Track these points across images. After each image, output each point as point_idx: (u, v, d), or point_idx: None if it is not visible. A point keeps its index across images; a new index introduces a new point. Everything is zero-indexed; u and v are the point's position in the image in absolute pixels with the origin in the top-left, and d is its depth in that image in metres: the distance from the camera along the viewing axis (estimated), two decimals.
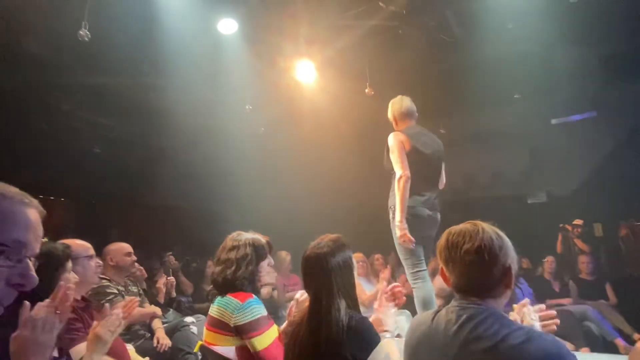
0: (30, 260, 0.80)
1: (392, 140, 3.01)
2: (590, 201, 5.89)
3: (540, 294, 4.68)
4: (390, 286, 1.85)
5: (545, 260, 5.08)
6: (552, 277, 4.98)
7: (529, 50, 4.98)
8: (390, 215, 2.97)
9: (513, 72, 5.23)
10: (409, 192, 2.87)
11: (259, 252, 1.99)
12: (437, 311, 1.32)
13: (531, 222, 6.02)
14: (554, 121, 6.65)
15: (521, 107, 6.29)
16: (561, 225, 5.54)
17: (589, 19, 4.43)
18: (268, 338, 1.77)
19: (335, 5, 4.62)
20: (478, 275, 1.24)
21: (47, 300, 1.31)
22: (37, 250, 0.82)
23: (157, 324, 3.21)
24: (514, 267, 1.27)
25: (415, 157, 2.95)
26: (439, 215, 3.07)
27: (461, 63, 5.37)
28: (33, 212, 0.82)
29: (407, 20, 4.70)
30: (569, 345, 3.73)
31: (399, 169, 2.89)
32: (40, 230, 0.84)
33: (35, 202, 0.85)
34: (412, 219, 2.88)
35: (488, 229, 1.27)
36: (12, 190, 0.82)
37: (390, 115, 3.30)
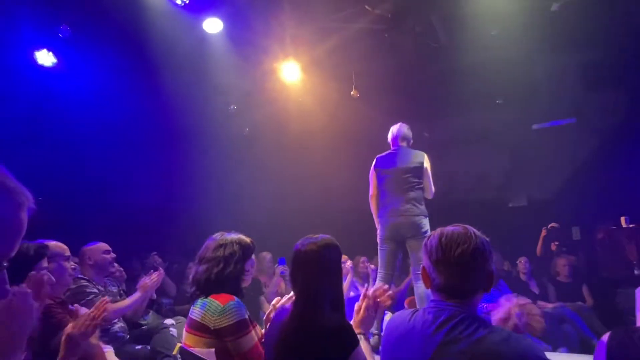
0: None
1: None
2: (569, 205, 6.01)
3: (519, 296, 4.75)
4: (375, 288, 1.83)
5: (519, 261, 5.16)
6: (528, 278, 5.06)
7: (512, 56, 5.07)
8: None
9: (496, 78, 5.31)
10: (379, 206, 3.68)
11: (245, 251, 1.98)
12: (415, 312, 1.34)
13: (512, 225, 6.12)
14: (535, 126, 6.77)
15: (503, 112, 6.39)
16: (542, 228, 5.64)
17: (570, 27, 4.54)
18: (248, 342, 1.75)
19: (321, 8, 4.62)
20: (468, 278, 1.27)
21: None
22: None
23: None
24: (494, 271, 1.31)
25: (379, 176, 3.69)
26: (413, 219, 3.51)
27: (446, 68, 5.43)
28: (24, 214, 0.70)
29: (393, 24, 4.74)
30: (546, 346, 3.81)
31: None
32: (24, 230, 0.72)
33: (30, 199, 0.72)
34: (382, 227, 3.63)
35: (478, 233, 1.31)
36: (11, 183, 0.68)
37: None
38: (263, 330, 2.00)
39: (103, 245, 3.10)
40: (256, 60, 5.32)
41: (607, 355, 0.79)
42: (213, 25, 4.75)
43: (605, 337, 1.18)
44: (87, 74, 5.02)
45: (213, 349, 1.73)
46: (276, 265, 5.03)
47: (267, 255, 5.30)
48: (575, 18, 4.40)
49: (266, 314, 2.04)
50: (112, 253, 3.12)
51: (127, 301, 2.96)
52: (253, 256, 2.07)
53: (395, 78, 5.52)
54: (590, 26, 4.50)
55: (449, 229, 1.32)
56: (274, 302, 2.05)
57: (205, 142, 6.29)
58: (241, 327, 1.75)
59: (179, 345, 1.90)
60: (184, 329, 1.89)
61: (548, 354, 1.29)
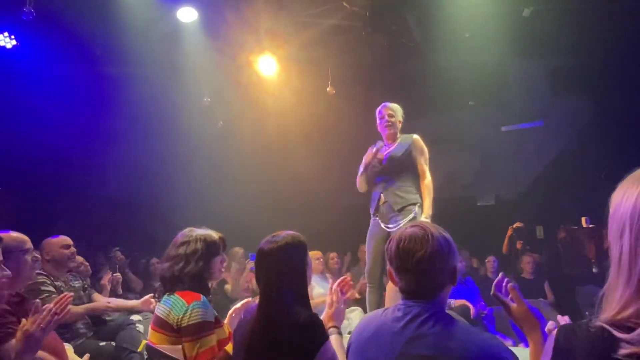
0: None
1: None
2: (534, 205, 6.23)
3: (486, 292, 4.91)
4: (338, 280, 1.85)
5: (487, 260, 5.32)
6: (495, 276, 5.23)
7: (484, 59, 5.19)
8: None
9: (468, 80, 5.42)
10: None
11: (210, 248, 1.93)
12: (386, 309, 1.36)
13: (480, 224, 6.28)
14: (503, 128, 6.96)
15: (474, 113, 6.55)
16: (508, 227, 5.82)
17: (539, 34, 4.69)
18: (202, 346, 1.71)
19: (299, 2, 4.60)
20: (429, 281, 1.28)
21: None
22: None
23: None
24: (459, 266, 1.35)
25: None
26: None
27: (420, 68, 5.50)
28: None
29: (370, 22, 4.76)
30: (508, 341, 3.95)
31: None
32: None
33: None
34: None
35: (436, 233, 1.29)
36: None
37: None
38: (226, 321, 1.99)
39: (63, 239, 2.94)
40: (231, 52, 5.23)
41: (555, 345, 0.85)
42: (187, 14, 4.64)
43: (555, 329, 1.25)
44: (51, 60, 4.80)
45: (180, 346, 1.69)
46: (247, 260, 4.99)
47: (239, 250, 5.26)
48: (545, 25, 4.55)
49: (228, 314, 2.02)
50: (72, 247, 2.95)
51: (81, 309, 2.88)
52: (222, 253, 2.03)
53: (370, 75, 5.55)
54: (559, 33, 4.66)
55: (406, 233, 1.31)
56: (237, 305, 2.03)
57: (176, 134, 6.14)
58: (199, 330, 1.72)
59: (144, 342, 1.85)
60: (150, 326, 1.85)
61: (509, 348, 1.34)
